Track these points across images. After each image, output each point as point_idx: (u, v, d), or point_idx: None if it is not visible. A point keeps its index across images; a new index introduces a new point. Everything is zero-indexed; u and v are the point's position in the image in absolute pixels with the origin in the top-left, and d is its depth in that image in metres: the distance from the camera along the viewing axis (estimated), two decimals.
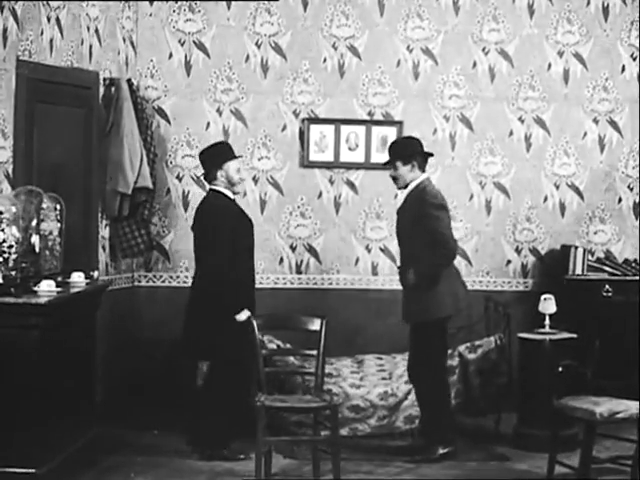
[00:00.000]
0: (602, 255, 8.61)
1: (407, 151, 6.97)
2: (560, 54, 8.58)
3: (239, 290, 6.77)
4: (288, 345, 7.62)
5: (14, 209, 5.93)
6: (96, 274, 6.77)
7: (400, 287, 8.52)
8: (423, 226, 6.79)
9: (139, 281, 8.32)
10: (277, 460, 6.68)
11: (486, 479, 6.61)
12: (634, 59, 8.59)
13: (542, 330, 7.33)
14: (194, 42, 8.32)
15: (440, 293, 6.83)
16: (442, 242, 6.77)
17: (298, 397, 6.83)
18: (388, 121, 8.46)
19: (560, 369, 6.47)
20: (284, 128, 8.40)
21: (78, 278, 6.48)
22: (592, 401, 6.31)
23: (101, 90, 7.71)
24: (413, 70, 8.49)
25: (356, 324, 8.40)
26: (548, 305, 7.39)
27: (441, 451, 6.88)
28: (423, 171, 6.99)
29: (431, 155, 7.10)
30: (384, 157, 8.41)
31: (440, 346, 6.94)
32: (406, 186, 6.99)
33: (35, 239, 6.09)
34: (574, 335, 7.29)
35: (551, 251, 8.59)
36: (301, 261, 8.43)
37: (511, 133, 8.57)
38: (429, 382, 6.87)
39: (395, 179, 7.02)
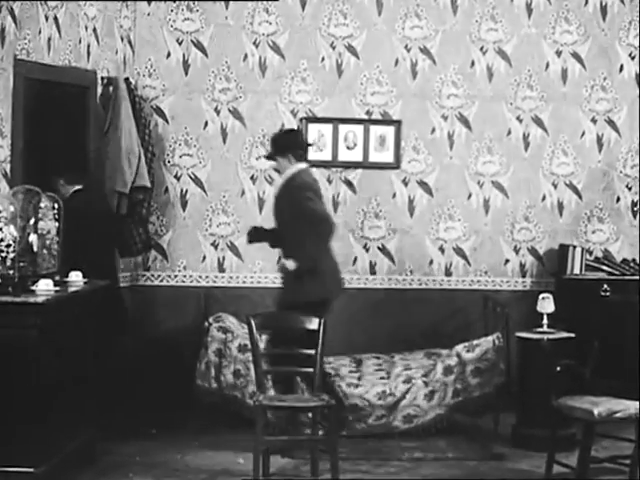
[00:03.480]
0: (600, 254, 8.62)
1: (282, 144, 7.11)
2: (558, 53, 8.58)
3: None
4: None
5: (12, 208, 5.93)
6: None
7: (398, 287, 8.57)
8: (297, 210, 6.89)
9: (137, 280, 8.31)
10: (275, 460, 6.67)
11: (484, 479, 6.61)
12: (632, 58, 8.59)
13: (540, 329, 7.32)
14: (192, 41, 8.32)
15: (324, 275, 6.93)
16: (317, 218, 6.86)
17: (296, 396, 6.82)
18: (386, 120, 8.46)
19: (558, 368, 6.47)
20: (282, 127, 8.39)
21: (76, 277, 6.47)
22: (590, 401, 6.30)
23: (99, 89, 7.71)
24: (411, 69, 8.48)
25: (354, 323, 8.39)
26: (546, 304, 7.38)
27: None
28: (302, 161, 7.10)
29: (309, 145, 7.40)
30: (383, 156, 8.46)
31: None
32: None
33: (33, 238, 6.07)
34: (572, 334, 7.29)
35: (549, 250, 8.59)
36: None
37: (509, 132, 8.57)
38: None
39: (277, 170, 7.32)
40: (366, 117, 8.46)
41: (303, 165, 7.07)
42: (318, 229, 6.84)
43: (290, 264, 6.87)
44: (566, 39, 8.57)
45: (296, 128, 7.55)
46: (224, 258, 8.36)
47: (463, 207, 8.53)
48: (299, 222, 6.84)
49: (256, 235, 7.24)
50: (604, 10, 8.57)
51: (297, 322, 6.53)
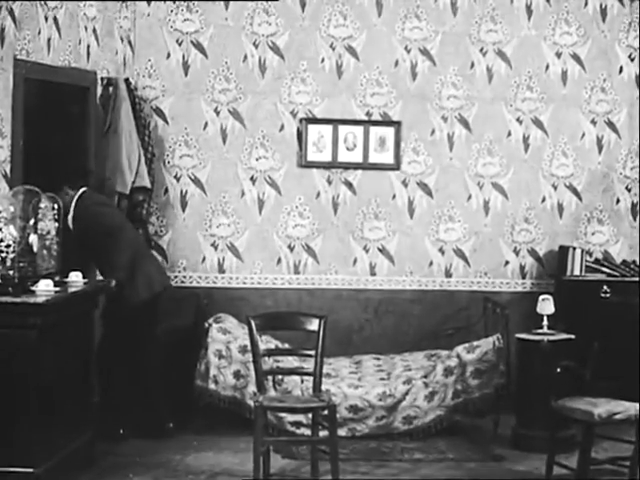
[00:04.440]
0: (600, 256, 8.61)
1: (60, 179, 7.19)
2: (558, 55, 8.57)
3: None
4: (286, 345, 7.63)
5: (12, 208, 5.93)
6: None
7: (398, 288, 8.56)
8: (94, 229, 7.10)
9: None
10: (275, 460, 6.67)
11: None
12: (632, 60, 8.59)
13: (540, 331, 7.33)
14: (192, 42, 8.31)
15: (144, 275, 7.21)
16: (113, 229, 7.12)
17: (296, 397, 6.82)
18: (386, 121, 8.45)
19: (558, 370, 6.47)
20: (282, 128, 8.39)
21: (76, 278, 6.47)
22: (590, 402, 6.31)
23: (99, 90, 7.71)
24: (411, 70, 8.48)
25: (354, 324, 8.40)
26: (546, 306, 7.39)
27: None
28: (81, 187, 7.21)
29: (88, 172, 7.43)
30: (382, 157, 8.46)
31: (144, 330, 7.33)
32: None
33: (33, 239, 6.07)
34: (572, 336, 7.29)
35: (549, 252, 8.58)
36: (299, 261, 8.42)
37: (509, 134, 8.56)
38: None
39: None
40: (366, 118, 8.46)
41: (83, 189, 7.18)
42: (118, 240, 7.10)
43: (112, 282, 7.06)
44: (566, 40, 8.57)
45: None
46: (224, 259, 8.36)
47: (463, 208, 8.52)
48: (99, 240, 7.08)
49: None
50: (604, 12, 8.57)
51: (296, 323, 6.53)
